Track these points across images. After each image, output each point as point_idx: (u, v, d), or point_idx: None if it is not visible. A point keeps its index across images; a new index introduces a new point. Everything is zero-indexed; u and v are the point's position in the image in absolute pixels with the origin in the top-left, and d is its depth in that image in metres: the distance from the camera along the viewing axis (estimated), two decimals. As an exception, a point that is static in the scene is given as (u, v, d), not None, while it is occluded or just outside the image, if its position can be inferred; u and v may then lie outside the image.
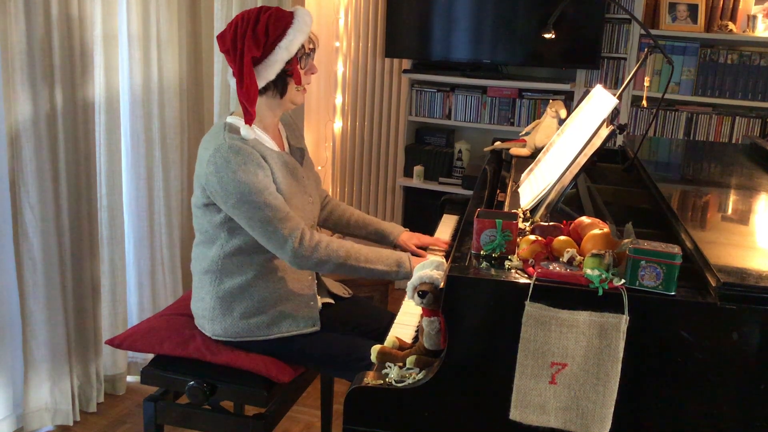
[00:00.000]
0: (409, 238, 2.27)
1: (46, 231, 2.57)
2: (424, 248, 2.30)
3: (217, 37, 1.94)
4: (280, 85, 1.94)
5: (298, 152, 2.10)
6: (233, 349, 2.02)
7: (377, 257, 1.96)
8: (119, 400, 3.01)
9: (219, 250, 1.99)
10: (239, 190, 1.85)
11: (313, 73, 2.01)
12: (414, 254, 2.24)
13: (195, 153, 3.24)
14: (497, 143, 2.79)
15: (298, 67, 1.94)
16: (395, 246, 2.32)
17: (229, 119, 1.97)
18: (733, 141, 3.68)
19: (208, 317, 2.03)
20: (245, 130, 1.89)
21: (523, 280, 1.39)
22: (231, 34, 1.89)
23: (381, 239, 2.30)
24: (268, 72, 1.90)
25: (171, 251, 3.18)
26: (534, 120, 3.16)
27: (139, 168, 3.03)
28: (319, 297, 2.12)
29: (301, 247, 1.87)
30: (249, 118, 1.89)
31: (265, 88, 1.94)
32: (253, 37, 1.85)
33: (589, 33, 3.77)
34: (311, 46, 1.99)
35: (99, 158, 2.81)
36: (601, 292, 1.34)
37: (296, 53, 1.92)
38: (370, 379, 1.52)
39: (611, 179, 2.37)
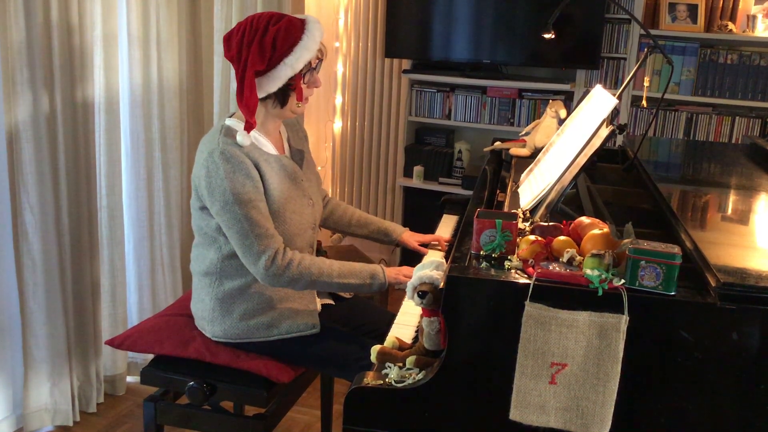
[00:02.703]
0: (411, 236, 2.28)
1: (45, 231, 2.57)
2: (425, 245, 2.30)
3: (224, 39, 1.92)
4: (281, 97, 1.93)
5: (298, 154, 2.10)
6: (233, 349, 2.02)
7: (350, 271, 1.95)
8: (119, 401, 3.01)
9: (218, 253, 1.99)
10: (224, 198, 1.85)
11: (316, 87, 2.00)
12: (415, 251, 2.25)
13: (195, 153, 3.24)
14: (497, 143, 2.79)
15: (301, 82, 1.93)
16: (397, 244, 2.33)
17: (228, 122, 1.96)
18: (733, 141, 3.68)
19: (208, 318, 2.03)
20: (241, 136, 1.89)
21: (523, 281, 1.39)
22: (237, 40, 1.87)
23: (383, 238, 2.31)
24: (270, 85, 1.89)
25: (171, 251, 3.18)
26: (534, 120, 3.16)
27: (139, 168, 3.03)
28: (318, 298, 2.13)
29: (273, 266, 1.87)
30: (248, 126, 1.88)
31: (267, 97, 1.93)
32: (259, 50, 1.83)
33: (588, 33, 3.77)
34: (319, 58, 1.97)
35: (99, 159, 2.81)
36: (600, 293, 1.34)
37: (301, 70, 1.90)
38: (370, 379, 1.52)
39: (611, 179, 2.37)
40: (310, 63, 1.93)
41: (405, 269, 2.01)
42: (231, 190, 1.85)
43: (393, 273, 1.98)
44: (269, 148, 1.99)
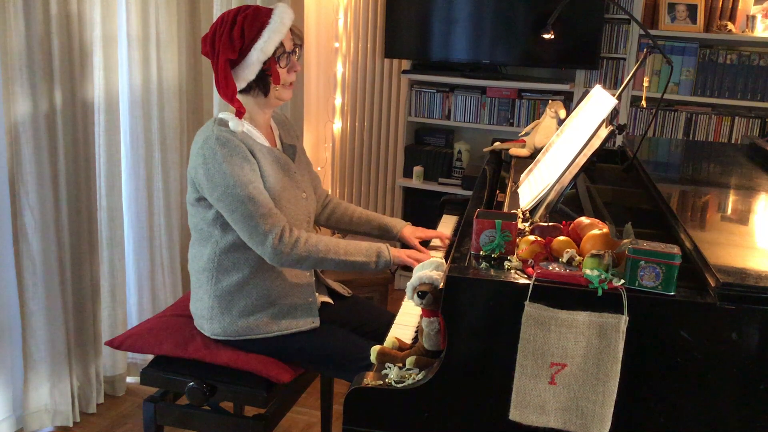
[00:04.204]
0: (411, 232, 2.28)
1: (45, 232, 2.57)
2: (426, 243, 2.30)
3: (201, 39, 1.96)
4: (261, 84, 1.96)
5: (290, 149, 2.12)
6: (233, 349, 2.02)
7: (356, 249, 1.97)
8: (119, 401, 3.01)
9: (214, 247, 2.00)
10: (224, 183, 1.87)
11: (295, 71, 2.01)
12: (416, 250, 2.25)
13: (194, 154, 3.24)
14: (497, 144, 2.79)
15: (277, 66, 1.95)
16: (398, 240, 2.32)
17: (221, 114, 2.00)
18: (733, 141, 3.68)
19: (207, 317, 2.04)
20: (234, 123, 1.92)
21: (523, 281, 1.39)
22: (210, 35, 1.92)
23: (384, 234, 2.31)
24: (246, 73, 1.92)
25: (170, 252, 3.18)
26: (533, 120, 3.16)
27: (139, 169, 3.03)
28: (317, 294, 2.13)
29: (281, 243, 1.88)
30: (239, 113, 1.92)
31: (249, 87, 1.96)
32: (229, 40, 1.88)
33: (588, 33, 3.77)
34: (295, 43, 1.99)
35: (98, 159, 2.81)
36: (600, 293, 1.34)
37: (274, 53, 1.92)
38: (369, 379, 1.52)
39: (610, 179, 2.37)
40: (283, 47, 1.94)
41: (411, 252, 2.04)
42: (231, 173, 1.86)
43: (398, 253, 2.00)
44: (261, 139, 2.02)
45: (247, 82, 1.93)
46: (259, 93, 1.98)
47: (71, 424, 2.78)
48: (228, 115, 1.96)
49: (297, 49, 2.00)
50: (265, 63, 1.91)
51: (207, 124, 1.99)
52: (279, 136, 2.13)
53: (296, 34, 1.99)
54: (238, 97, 1.94)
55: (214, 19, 3.10)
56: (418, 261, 1.87)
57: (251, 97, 1.99)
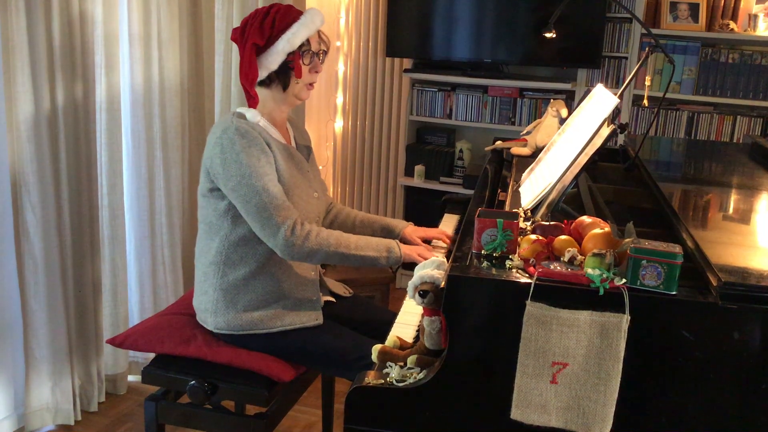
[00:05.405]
0: (413, 231, 2.29)
1: (47, 231, 2.57)
2: (428, 242, 2.31)
3: (233, 29, 2.02)
4: (282, 77, 1.99)
5: (305, 150, 2.15)
6: (234, 347, 2.03)
7: (367, 244, 1.99)
8: (120, 400, 3.01)
9: (223, 240, 2.01)
10: (240, 172, 1.89)
11: (317, 72, 2.05)
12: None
13: (196, 152, 3.25)
14: (498, 143, 2.79)
15: (300, 61, 1.98)
16: (400, 240, 2.33)
17: (239, 109, 2.04)
18: (735, 140, 3.68)
19: (211, 310, 2.04)
20: (251, 114, 1.97)
21: (524, 280, 1.39)
22: (243, 24, 1.98)
23: (386, 235, 2.31)
24: (270, 61, 1.96)
25: (172, 251, 3.18)
26: (535, 119, 3.16)
27: (140, 167, 3.03)
28: (320, 294, 2.13)
29: (293, 236, 1.89)
30: (252, 102, 1.96)
31: (269, 80, 1.99)
32: (259, 28, 1.94)
33: (590, 32, 3.76)
34: (320, 48, 2.04)
35: (100, 158, 2.81)
36: (602, 292, 1.34)
37: (299, 47, 1.96)
38: (371, 378, 1.52)
39: (612, 179, 2.37)
40: (309, 44, 1.99)
41: (420, 249, 2.05)
42: (247, 164, 1.89)
43: (408, 250, 2.01)
44: (277, 136, 2.05)
45: (269, 71, 1.97)
46: (279, 86, 2.01)
47: (72, 423, 2.78)
48: (244, 109, 2.01)
49: (321, 54, 2.05)
50: (289, 55, 1.96)
51: (225, 117, 2.03)
52: (294, 136, 2.16)
53: (323, 40, 2.06)
54: (258, 90, 1.99)
55: (216, 19, 3.14)
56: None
57: (270, 90, 2.02)
